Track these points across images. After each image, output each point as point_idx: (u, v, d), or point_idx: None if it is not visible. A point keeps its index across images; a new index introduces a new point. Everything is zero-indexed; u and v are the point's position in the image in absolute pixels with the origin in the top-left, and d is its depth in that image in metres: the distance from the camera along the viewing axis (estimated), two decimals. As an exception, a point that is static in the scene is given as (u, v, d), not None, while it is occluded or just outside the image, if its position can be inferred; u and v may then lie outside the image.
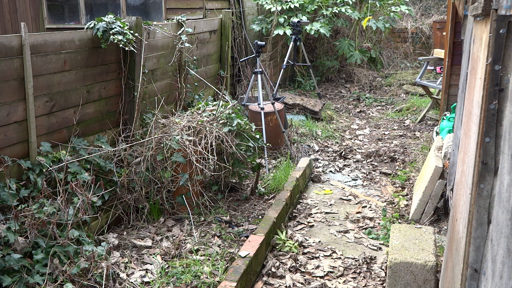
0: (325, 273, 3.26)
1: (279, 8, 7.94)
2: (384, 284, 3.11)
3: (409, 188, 4.65)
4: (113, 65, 4.04)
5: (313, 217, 4.11)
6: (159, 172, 3.77)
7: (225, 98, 5.06)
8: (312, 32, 7.94)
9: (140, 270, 3.14)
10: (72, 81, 3.60)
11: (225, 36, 6.40)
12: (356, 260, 3.42)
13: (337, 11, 8.24)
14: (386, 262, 3.32)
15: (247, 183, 4.57)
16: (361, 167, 5.28)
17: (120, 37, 3.77)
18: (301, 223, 4.00)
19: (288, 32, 7.75)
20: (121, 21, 3.91)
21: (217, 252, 3.31)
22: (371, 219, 4.06)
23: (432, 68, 8.81)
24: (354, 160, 5.48)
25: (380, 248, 3.59)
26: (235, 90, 7.30)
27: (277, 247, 3.54)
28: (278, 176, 4.54)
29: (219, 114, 4.16)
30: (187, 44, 4.98)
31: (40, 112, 3.34)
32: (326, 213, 4.19)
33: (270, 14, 8.13)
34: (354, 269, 3.32)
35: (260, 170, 4.47)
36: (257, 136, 4.32)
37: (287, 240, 3.61)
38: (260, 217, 3.94)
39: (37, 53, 3.26)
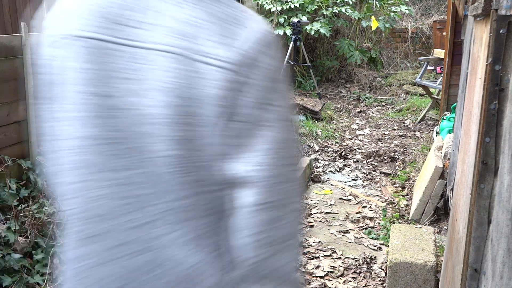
0: (325, 273, 3.26)
1: (279, 8, 7.95)
2: (384, 284, 3.11)
3: (409, 188, 4.65)
4: (113, 65, 4.04)
5: (313, 217, 4.11)
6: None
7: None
8: (312, 32, 7.94)
9: (140, 270, 3.14)
10: (72, 81, 3.60)
11: (225, 36, 6.40)
12: (356, 260, 3.42)
13: (337, 11, 8.25)
14: (386, 262, 3.32)
15: (247, 183, 4.56)
16: (361, 167, 5.28)
17: (120, 37, 3.77)
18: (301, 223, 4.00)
19: (288, 32, 7.75)
20: (121, 21, 3.91)
21: (217, 252, 3.31)
22: (371, 219, 4.07)
23: (432, 68, 8.81)
24: (354, 160, 5.48)
25: (380, 248, 3.59)
26: (235, 90, 7.29)
27: (277, 247, 3.54)
28: (278, 176, 4.54)
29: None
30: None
31: (40, 112, 3.34)
32: (326, 213, 4.19)
33: (270, 14, 8.14)
34: (354, 269, 3.32)
35: (260, 170, 4.46)
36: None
37: (287, 240, 3.61)
38: (260, 217, 3.94)
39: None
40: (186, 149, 0.84)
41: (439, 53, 7.32)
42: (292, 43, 7.22)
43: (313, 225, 3.97)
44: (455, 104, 4.58)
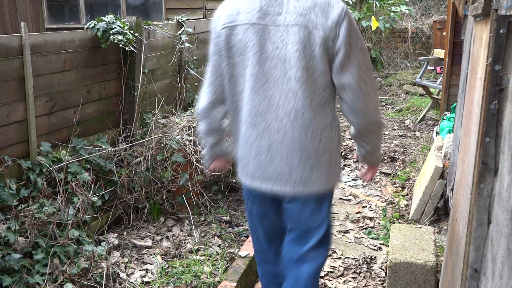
0: (325, 273, 3.26)
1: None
2: (384, 284, 3.11)
3: (409, 188, 4.65)
4: (113, 65, 4.04)
5: (313, 217, 4.11)
6: (159, 172, 3.77)
7: (225, 98, 5.05)
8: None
9: (140, 270, 3.14)
10: (72, 81, 3.60)
11: (225, 36, 6.39)
12: (356, 260, 3.42)
13: (337, 11, 8.23)
14: (386, 262, 3.32)
15: (247, 183, 4.56)
16: (361, 167, 5.28)
17: (120, 37, 3.77)
18: (301, 223, 4.00)
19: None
20: (121, 21, 3.91)
21: (217, 252, 3.31)
22: (371, 219, 4.07)
23: (432, 68, 8.82)
24: (354, 160, 5.48)
25: (380, 248, 3.59)
26: (235, 90, 7.29)
27: (277, 247, 3.54)
28: (278, 176, 4.53)
29: (219, 114, 4.16)
30: (187, 44, 4.98)
31: (40, 112, 3.34)
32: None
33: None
34: (354, 269, 3.32)
35: (260, 170, 4.47)
36: (257, 136, 4.32)
37: (287, 240, 3.61)
38: (260, 217, 3.94)
39: (37, 53, 3.26)
40: (306, 72, 1.84)
41: (439, 53, 7.32)
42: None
43: (313, 225, 3.97)
44: (455, 104, 4.58)
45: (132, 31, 3.97)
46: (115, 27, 3.80)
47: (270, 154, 1.94)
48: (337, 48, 1.81)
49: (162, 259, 3.26)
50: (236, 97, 1.99)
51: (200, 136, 2.21)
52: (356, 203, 4.39)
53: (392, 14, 8.82)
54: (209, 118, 2.09)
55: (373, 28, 8.33)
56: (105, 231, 3.54)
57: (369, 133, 2.01)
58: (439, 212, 3.91)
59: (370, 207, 4.29)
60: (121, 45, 3.82)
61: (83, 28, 3.81)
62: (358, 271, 3.30)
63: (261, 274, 2.34)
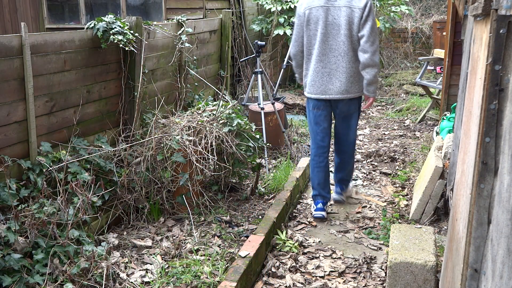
0: (325, 273, 3.26)
1: (279, 8, 7.94)
2: (384, 284, 3.11)
3: (409, 188, 4.65)
4: (113, 65, 4.04)
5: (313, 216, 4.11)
6: (159, 172, 3.76)
7: (225, 98, 5.06)
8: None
9: (140, 270, 3.14)
10: (72, 81, 3.60)
11: (225, 36, 6.40)
12: (356, 260, 3.42)
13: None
14: (386, 262, 3.32)
15: (247, 183, 4.56)
16: (361, 167, 5.28)
17: (120, 37, 3.77)
18: (301, 223, 4.00)
19: (288, 32, 7.75)
20: (121, 21, 3.91)
21: (217, 252, 3.31)
22: (371, 219, 4.06)
23: (432, 68, 8.82)
24: (354, 160, 5.47)
25: (380, 248, 3.59)
26: (235, 90, 7.30)
27: (277, 247, 3.54)
28: (278, 176, 4.54)
29: (219, 114, 4.16)
30: (187, 44, 4.98)
31: (40, 112, 3.34)
32: (327, 212, 4.19)
33: (270, 14, 8.13)
34: (354, 269, 3.32)
35: (260, 170, 4.47)
36: (257, 136, 4.32)
37: (287, 240, 3.61)
38: (260, 217, 3.94)
39: (37, 53, 3.26)
40: (349, 31, 3.73)
41: (439, 53, 7.32)
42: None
43: (313, 225, 3.97)
44: (455, 104, 4.58)
45: (132, 31, 3.97)
46: (115, 27, 3.79)
47: (330, 76, 3.80)
48: (363, 18, 3.66)
49: (162, 259, 3.26)
50: (310, 47, 3.84)
51: (294, 69, 4.13)
52: (356, 203, 4.39)
53: (392, 14, 8.82)
54: (298, 58, 3.99)
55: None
56: (105, 231, 3.54)
57: (369, 66, 3.72)
58: (439, 212, 3.90)
59: (370, 207, 4.29)
60: (121, 45, 3.82)
61: (83, 28, 3.81)
62: (358, 271, 3.30)
63: (314, 163, 4.08)
